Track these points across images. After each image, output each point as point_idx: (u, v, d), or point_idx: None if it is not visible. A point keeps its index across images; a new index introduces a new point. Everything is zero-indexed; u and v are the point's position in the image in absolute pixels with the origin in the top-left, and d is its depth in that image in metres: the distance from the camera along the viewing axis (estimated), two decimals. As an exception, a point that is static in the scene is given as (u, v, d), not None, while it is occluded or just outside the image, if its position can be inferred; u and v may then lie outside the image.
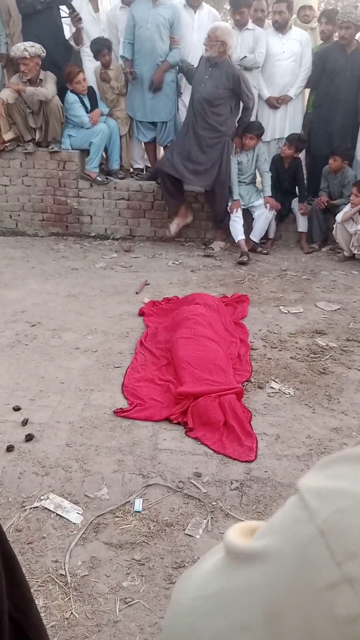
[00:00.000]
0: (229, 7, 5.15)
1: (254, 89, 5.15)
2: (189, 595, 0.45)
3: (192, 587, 0.45)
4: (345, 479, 0.39)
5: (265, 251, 5.07)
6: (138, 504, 1.98)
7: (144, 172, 5.58)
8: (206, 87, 4.66)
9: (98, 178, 5.34)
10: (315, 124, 5.18)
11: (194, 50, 5.06)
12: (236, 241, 4.97)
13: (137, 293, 4.05)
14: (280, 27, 5.06)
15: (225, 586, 0.41)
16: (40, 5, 5.06)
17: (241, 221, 4.96)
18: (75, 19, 5.00)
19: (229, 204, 5.01)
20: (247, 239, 5.02)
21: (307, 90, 5.39)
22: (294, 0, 5.17)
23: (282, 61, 5.10)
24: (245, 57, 5.01)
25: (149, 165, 5.67)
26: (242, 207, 5.03)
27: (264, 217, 4.99)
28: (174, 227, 5.15)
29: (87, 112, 5.18)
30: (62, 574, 1.70)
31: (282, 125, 5.28)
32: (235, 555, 0.42)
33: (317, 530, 0.37)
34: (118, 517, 1.93)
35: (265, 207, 4.96)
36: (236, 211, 4.97)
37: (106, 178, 5.37)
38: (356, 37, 5.00)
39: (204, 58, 4.70)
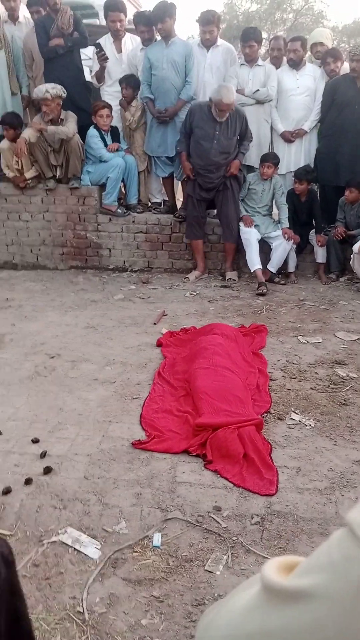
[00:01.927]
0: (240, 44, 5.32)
1: (265, 122, 5.29)
2: (220, 633, 0.43)
3: (224, 625, 0.43)
4: None
5: (282, 282, 5.07)
6: (157, 539, 1.94)
7: (162, 206, 5.68)
8: (220, 142, 4.83)
9: (118, 210, 5.45)
10: (323, 154, 5.24)
11: (204, 89, 5.21)
12: (252, 271, 4.99)
13: (155, 324, 4.07)
14: (295, 64, 5.23)
15: (266, 626, 0.39)
16: (62, 50, 5.29)
17: (257, 250, 4.98)
18: (102, 57, 5.21)
19: (243, 232, 5.05)
20: (265, 270, 5.04)
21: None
22: (307, 37, 5.34)
23: (296, 96, 5.24)
24: (258, 90, 5.17)
25: (166, 199, 5.78)
26: (259, 236, 5.06)
27: (281, 248, 5.01)
28: (192, 277, 5.25)
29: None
30: (79, 611, 1.67)
31: (297, 158, 5.38)
32: (277, 593, 0.40)
33: None
34: (136, 552, 1.90)
35: (284, 237, 4.99)
36: (248, 226, 5.01)
37: (125, 210, 5.47)
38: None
39: (201, 109, 4.78)
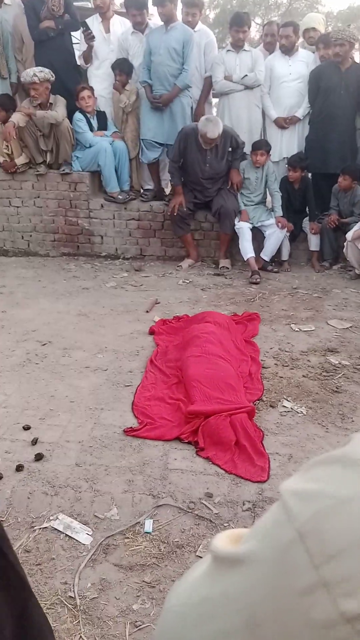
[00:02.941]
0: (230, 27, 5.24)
1: (256, 108, 5.25)
2: (177, 602, 0.44)
3: (181, 595, 0.45)
4: (324, 481, 0.38)
5: (275, 270, 5.06)
6: (148, 525, 1.94)
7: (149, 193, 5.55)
8: (212, 166, 4.95)
9: (119, 197, 5.39)
10: (312, 141, 5.21)
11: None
12: (245, 259, 4.97)
13: (147, 312, 4.05)
14: (287, 50, 5.17)
15: (210, 592, 0.41)
16: (53, 33, 5.19)
17: (250, 238, 4.97)
18: (89, 37, 5.12)
19: (237, 220, 5.03)
20: (258, 258, 5.03)
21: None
22: (300, 23, 5.28)
23: (288, 82, 5.20)
24: (246, 75, 5.12)
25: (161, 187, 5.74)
26: (251, 224, 5.04)
27: (275, 236, 5.00)
28: (185, 265, 5.22)
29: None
30: (71, 596, 1.67)
31: (290, 145, 5.35)
32: (220, 560, 0.41)
33: (297, 533, 0.36)
34: (128, 538, 1.90)
35: (277, 226, 4.97)
36: (241, 222, 5.00)
37: (127, 195, 5.40)
38: (351, 55, 5.09)
39: (189, 137, 4.83)
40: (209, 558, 0.43)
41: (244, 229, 4.97)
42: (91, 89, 5.19)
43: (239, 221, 5.01)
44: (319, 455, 0.41)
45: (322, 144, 5.10)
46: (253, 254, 4.95)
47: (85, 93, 5.12)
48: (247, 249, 4.95)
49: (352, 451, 0.39)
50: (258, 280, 4.77)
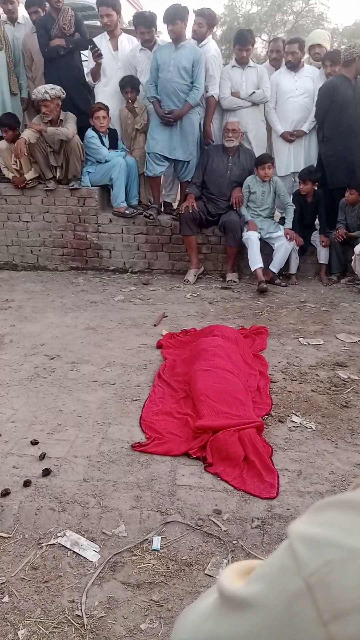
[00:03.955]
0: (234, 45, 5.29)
1: (262, 123, 5.31)
2: (184, 636, 0.44)
3: (187, 629, 0.44)
4: (337, 528, 0.37)
5: (283, 283, 5.06)
6: (156, 542, 1.92)
7: (153, 209, 5.49)
8: (233, 172, 5.18)
9: (126, 212, 5.42)
10: (330, 157, 5.21)
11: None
12: (253, 270, 4.98)
13: (155, 325, 4.05)
14: (293, 66, 5.23)
15: (217, 631, 0.40)
16: (63, 51, 5.28)
17: (257, 249, 4.98)
18: (96, 54, 5.20)
19: (245, 230, 5.05)
20: (266, 271, 5.03)
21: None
22: (305, 39, 5.34)
23: (294, 98, 5.24)
24: (254, 92, 5.17)
25: (167, 201, 5.77)
26: (259, 235, 5.06)
27: (283, 248, 5.00)
28: (191, 277, 5.23)
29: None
30: (78, 615, 1.65)
31: (297, 159, 5.38)
32: (227, 599, 0.41)
33: (305, 583, 0.35)
34: (136, 555, 1.88)
35: (285, 237, 4.99)
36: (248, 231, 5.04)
37: (134, 210, 5.43)
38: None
39: (218, 149, 5.19)
40: (217, 593, 0.43)
41: (251, 238, 4.98)
42: (106, 108, 5.23)
43: (247, 231, 5.02)
44: (331, 497, 0.40)
45: (344, 158, 5.09)
46: (261, 265, 4.95)
47: (101, 113, 5.18)
48: (255, 259, 4.96)
49: None
50: (265, 287, 4.79)
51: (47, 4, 5.34)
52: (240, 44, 5.16)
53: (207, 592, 0.46)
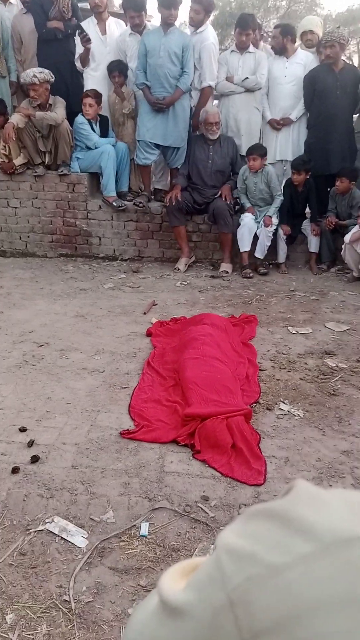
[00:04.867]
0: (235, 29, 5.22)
1: (256, 111, 5.26)
2: (131, 636, 0.45)
3: (134, 629, 0.45)
4: (260, 541, 0.37)
5: (263, 271, 5.07)
6: (144, 528, 1.94)
7: (142, 196, 5.48)
8: (215, 162, 5.16)
9: (114, 203, 5.35)
10: (312, 144, 5.21)
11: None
12: (241, 251, 5.07)
13: (144, 313, 4.05)
14: (278, 51, 5.18)
15: (157, 635, 0.41)
16: (61, 35, 5.21)
17: (250, 231, 5.02)
18: (85, 39, 5.11)
19: (241, 218, 5.10)
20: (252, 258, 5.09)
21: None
22: (298, 25, 5.28)
23: (283, 85, 5.20)
24: (247, 78, 5.12)
25: (158, 187, 5.73)
26: (255, 218, 5.11)
27: (262, 234, 5.02)
28: (182, 265, 5.23)
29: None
30: (66, 600, 1.66)
31: (285, 147, 5.35)
32: (164, 604, 0.41)
33: (227, 599, 0.35)
34: (124, 541, 1.89)
35: (264, 223, 5.03)
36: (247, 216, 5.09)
37: (123, 203, 5.38)
38: (343, 57, 5.13)
39: (198, 138, 5.19)
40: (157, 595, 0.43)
41: (244, 220, 5.04)
42: (96, 96, 5.13)
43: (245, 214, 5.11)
44: (261, 504, 0.40)
45: (323, 146, 5.11)
46: (248, 249, 5.04)
47: (88, 100, 5.09)
48: (243, 241, 5.03)
49: (293, 507, 0.38)
50: (250, 274, 4.95)
51: None
52: (241, 27, 5.09)
53: (154, 592, 0.46)
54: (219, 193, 5.10)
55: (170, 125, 5.10)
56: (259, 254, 5.09)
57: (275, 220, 5.05)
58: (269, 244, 5.06)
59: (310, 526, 0.36)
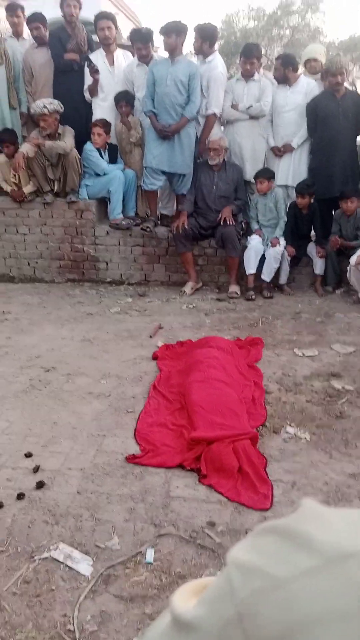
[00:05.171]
0: (240, 58, 5.35)
1: (261, 138, 5.36)
2: None
3: None
4: (268, 555, 0.38)
5: (268, 295, 5.09)
6: (150, 555, 1.92)
7: (150, 221, 5.54)
8: (219, 187, 5.25)
9: (123, 222, 5.46)
10: (316, 169, 5.31)
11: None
12: (247, 274, 5.13)
13: (151, 337, 4.07)
14: (280, 81, 5.31)
15: None
16: (77, 66, 5.39)
17: (256, 254, 5.09)
18: (93, 70, 5.27)
19: (248, 240, 5.18)
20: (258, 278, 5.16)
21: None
22: (302, 53, 5.40)
23: (285, 113, 5.33)
24: (251, 106, 5.22)
25: (164, 212, 5.81)
26: (262, 240, 5.19)
27: (270, 256, 5.08)
28: (188, 289, 5.29)
29: (102, 165, 5.40)
30: (70, 630, 1.64)
31: (286, 173, 5.44)
32: (176, 620, 0.42)
33: (236, 611, 0.37)
34: (129, 568, 1.87)
35: (271, 244, 5.10)
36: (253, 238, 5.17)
37: (130, 222, 5.48)
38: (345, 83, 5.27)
39: (204, 164, 5.26)
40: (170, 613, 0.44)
41: (252, 243, 5.11)
42: (105, 125, 5.28)
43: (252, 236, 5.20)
44: (271, 522, 0.41)
45: (326, 170, 5.20)
46: (253, 271, 5.09)
47: (97, 130, 5.26)
48: (250, 262, 5.10)
49: (298, 524, 0.39)
50: (253, 297, 5.01)
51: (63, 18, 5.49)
52: (245, 56, 5.24)
53: (165, 612, 0.47)
54: (220, 216, 5.13)
55: (177, 153, 5.19)
56: (266, 276, 5.12)
57: (282, 242, 5.11)
58: (276, 266, 5.10)
59: (314, 542, 0.37)
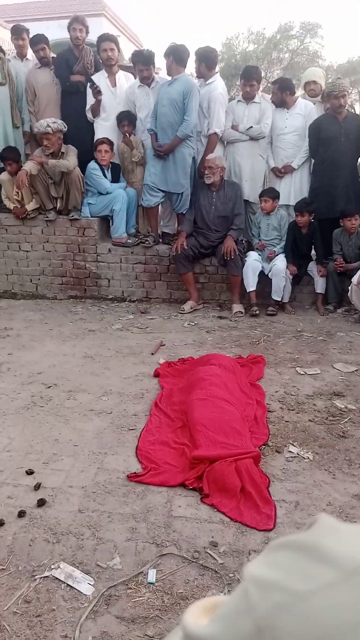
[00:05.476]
0: (240, 80, 5.46)
1: (260, 158, 5.43)
2: None
3: None
4: (285, 570, 0.38)
5: (272, 312, 5.11)
6: (151, 575, 1.89)
7: (151, 238, 5.60)
8: (217, 208, 5.27)
9: (129, 241, 5.51)
10: (317, 189, 5.38)
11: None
12: (247, 291, 5.15)
13: (152, 354, 4.07)
14: (278, 104, 5.40)
15: None
16: (82, 88, 5.50)
17: (254, 271, 5.11)
18: (96, 91, 5.38)
19: (245, 258, 5.22)
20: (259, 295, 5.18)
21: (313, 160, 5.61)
22: (301, 76, 5.50)
23: (284, 135, 5.42)
24: (251, 127, 5.31)
25: (166, 231, 5.85)
26: (259, 253, 5.25)
27: (276, 275, 5.11)
28: (187, 307, 5.31)
29: (105, 183, 5.46)
30: (71, 651, 1.61)
31: (287, 193, 5.50)
32: (188, 638, 0.42)
33: (255, 627, 0.37)
34: (131, 588, 1.85)
35: (267, 257, 5.18)
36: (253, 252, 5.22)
37: (135, 240, 5.53)
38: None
39: (201, 185, 5.28)
40: (182, 631, 0.44)
41: (248, 262, 5.13)
42: (110, 143, 5.38)
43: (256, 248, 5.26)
44: (285, 537, 0.41)
45: (327, 190, 5.26)
46: (254, 288, 5.13)
47: (104, 147, 5.34)
48: (249, 279, 5.12)
49: (316, 538, 0.40)
50: (257, 312, 5.02)
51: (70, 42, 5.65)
52: (244, 78, 5.35)
53: (176, 628, 0.46)
54: (224, 250, 5.11)
55: (171, 172, 5.27)
56: (276, 295, 5.14)
57: (284, 260, 5.12)
58: (283, 284, 5.12)
59: (332, 555, 0.38)
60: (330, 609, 0.35)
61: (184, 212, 5.42)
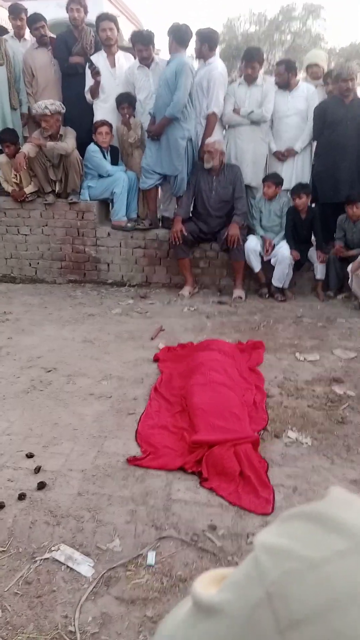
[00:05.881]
0: (241, 62, 5.37)
1: (262, 142, 5.36)
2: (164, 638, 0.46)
3: (165, 635, 0.46)
4: (298, 539, 0.39)
5: (281, 298, 5.11)
6: (151, 558, 1.91)
7: (148, 221, 5.58)
8: (218, 192, 5.20)
9: (128, 225, 5.48)
10: (321, 172, 5.31)
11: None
12: (255, 272, 5.18)
13: (152, 339, 4.06)
14: (282, 86, 5.31)
15: (190, 635, 0.42)
16: (82, 69, 5.41)
17: (253, 252, 5.13)
18: (95, 72, 5.29)
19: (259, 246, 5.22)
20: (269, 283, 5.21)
21: (315, 143, 5.55)
22: (304, 59, 5.42)
23: (287, 118, 5.33)
24: (253, 111, 5.22)
25: (165, 215, 5.81)
26: (259, 236, 5.25)
27: (280, 261, 5.08)
28: (186, 292, 5.30)
29: (105, 165, 5.41)
30: (71, 631, 1.63)
31: (289, 177, 5.44)
32: (198, 606, 0.42)
33: (265, 592, 0.37)
34: (130, 570, 1.87)
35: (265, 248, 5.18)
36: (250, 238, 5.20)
37: (135, 224, 5.49)
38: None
39: (201, 169, 5.21)
40: (191, 600, 0.44)
41: (249, 245, 5.12)
42: (110, 125, 5.32)
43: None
44: (297, 508, 0.41)
45: (331, 174, 5.19)
46: (259, 267, 5.17)
47: (104, 129, 5.27)
48: (253, 263, 5.14)
49: (328, 509, 0.40)
50: (266, 294, 5.13)
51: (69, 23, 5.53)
52: (246, 59, 5.24)
53: (186, 599, 0.47)
54: (230, 238, 5.05)
55: (164, 154, 5.20)
56: (278, 282, 5.13)
57: (286, 246, 5.09)
58: (287, 271, 5.09)
59: (345, 525, 0.38)
60: (343, 576, 0.36)
61: (182, 196, 5.36)
